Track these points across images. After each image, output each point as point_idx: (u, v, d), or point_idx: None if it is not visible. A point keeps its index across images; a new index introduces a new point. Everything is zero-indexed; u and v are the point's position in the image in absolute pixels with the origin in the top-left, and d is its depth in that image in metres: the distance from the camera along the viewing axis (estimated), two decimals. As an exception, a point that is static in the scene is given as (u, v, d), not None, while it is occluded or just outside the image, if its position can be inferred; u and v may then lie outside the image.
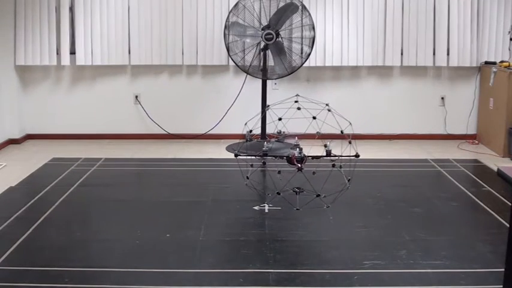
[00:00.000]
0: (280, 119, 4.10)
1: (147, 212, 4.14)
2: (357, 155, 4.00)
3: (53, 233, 3.74)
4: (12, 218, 3.95)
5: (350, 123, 4.02)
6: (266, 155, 4.23)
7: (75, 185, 4.70)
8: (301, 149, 4.08)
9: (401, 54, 6.25)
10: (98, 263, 3.29)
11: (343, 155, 4.01)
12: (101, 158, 5.57)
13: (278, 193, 4.09)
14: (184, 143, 6.28)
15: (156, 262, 3.29)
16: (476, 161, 5.63)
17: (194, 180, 4.94)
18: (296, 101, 4.08)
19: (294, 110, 4.07)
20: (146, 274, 3.15)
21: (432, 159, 5.60)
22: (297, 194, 4.14)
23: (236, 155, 4.21)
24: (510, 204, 3.92)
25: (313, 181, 4.08)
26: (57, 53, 6.16)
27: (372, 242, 3.56)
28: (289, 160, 4.06)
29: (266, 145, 4.32)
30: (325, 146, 4.07)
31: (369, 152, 5.88)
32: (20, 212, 4.07)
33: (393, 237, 3.64)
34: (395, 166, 5.47)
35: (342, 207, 4.17)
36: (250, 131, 4.18)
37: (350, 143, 3.91)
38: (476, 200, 4.40)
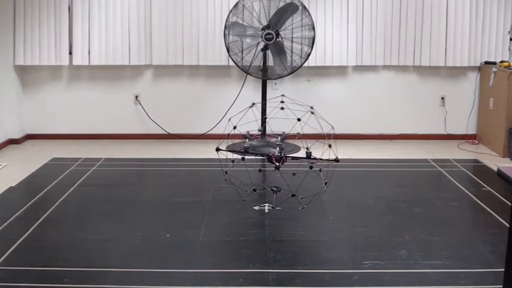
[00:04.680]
0: (265, 118, 4.16)
1: (147, 212, 4.14)
2: (336, 160, 4.02)
3: (53, 233, 3.74)
4: (12, 218, 3.94)
5: (332, 128, 4.03)
6: (247, 152, 4.26)
7: (75, 185, 4.70)
8: (282, 149, 4.13)
9: (402, 54, 6.25)
10: (98, 263, 3.29)
11: (323, 158, 4.04)
12: (101, 158, 5.57)
13: (254, 189, 4.16)
14: (184, 143, 6.28)
15: (156, 262, 3.29)
16: (476, 161, 5.63)
17: (194, 180, 4.93)
18: (282, 101, 4.17)
19: (279, 110, 4.21)
20: (146, 274, 3.15)
21: (432, 159, 5.60)
22: (274, 192, 4.20)
23: (217, 149, 4.23)
24: (510, 204, 3.92)
25: (297, 182, 4.08)
26: (57, 53, 6.15)
27: (372, 242, 3.56)
28: (269, 159, 4.15)
29: (247, 142, 4.34)
30: (307, 148, 4.11)
31: (369, 152, 5.88)
32: (20, 212, 4.07)
33: (393, 237, 3.64)
34: (396, 166, 5.47)
35: (342, 207, 4.17)
36: (234, 127, 4.17)
37: (330, 146, 3.94)
38: (476, 200, 4.40)
